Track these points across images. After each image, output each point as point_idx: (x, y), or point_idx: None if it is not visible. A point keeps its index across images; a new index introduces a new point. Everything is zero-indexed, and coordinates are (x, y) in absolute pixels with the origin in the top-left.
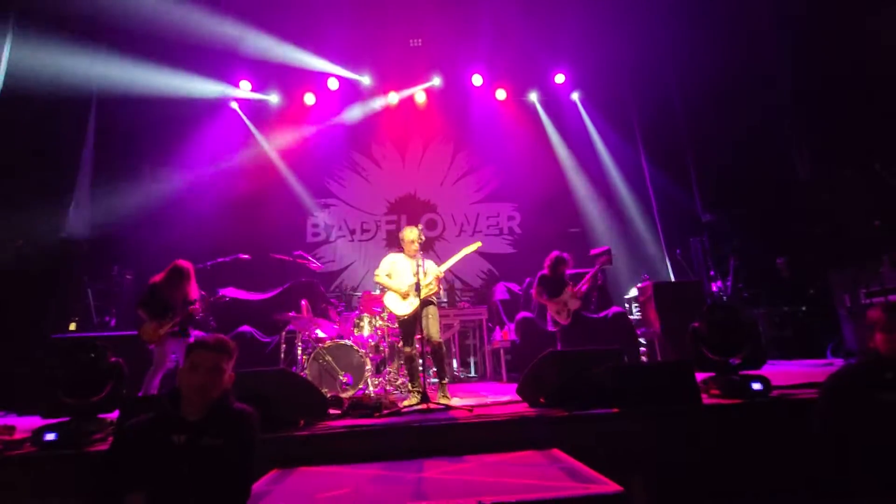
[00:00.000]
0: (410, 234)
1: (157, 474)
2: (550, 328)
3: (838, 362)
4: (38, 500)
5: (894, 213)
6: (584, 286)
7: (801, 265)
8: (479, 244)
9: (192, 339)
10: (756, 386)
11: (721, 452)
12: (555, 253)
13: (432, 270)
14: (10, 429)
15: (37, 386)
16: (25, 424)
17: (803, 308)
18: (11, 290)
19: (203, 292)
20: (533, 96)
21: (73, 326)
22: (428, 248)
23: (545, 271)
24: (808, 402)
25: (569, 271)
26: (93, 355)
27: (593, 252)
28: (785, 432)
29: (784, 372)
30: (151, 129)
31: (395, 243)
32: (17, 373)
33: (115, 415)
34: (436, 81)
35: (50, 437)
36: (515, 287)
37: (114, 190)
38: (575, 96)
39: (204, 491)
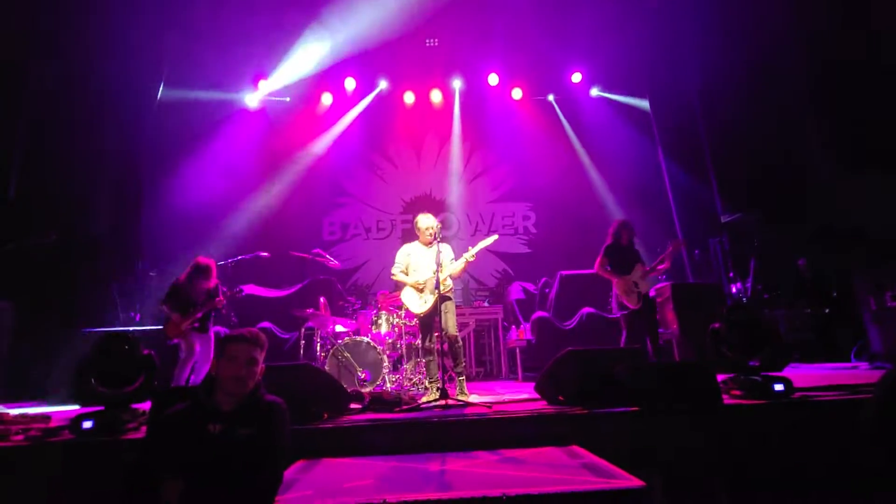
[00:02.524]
0: (427, 220)
1: (194, 462)
2: (615, 314)
3: (863, 366)
4: (76, 485)
5: None
6: (661, 266)
7: (823, 267)
8: (496, 237)
9: (211, 334)
10: (778, 387)
11: (741, 453)
12: (618, 220)
13: (449, 260)
14: (46, 418)
15: (68, 377)
16: (58, 414)
17: (826, 310)
18: (41, 284)
19: (224, 288)
20: (549, 96)
21: None
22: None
23: (609, 240)
24: (831, 403)
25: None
26: (127, 347)
27: None
28: (807, 434)
29: (806, 375)
30: (174, 128)
31: (412, 237)
32: (47, 365)
33: (146, 405)
34: (456, 84)
35: (87, 424)
36: (531, 286)
37: (138, 190)
38: (594, 92)
39: (238, 478)
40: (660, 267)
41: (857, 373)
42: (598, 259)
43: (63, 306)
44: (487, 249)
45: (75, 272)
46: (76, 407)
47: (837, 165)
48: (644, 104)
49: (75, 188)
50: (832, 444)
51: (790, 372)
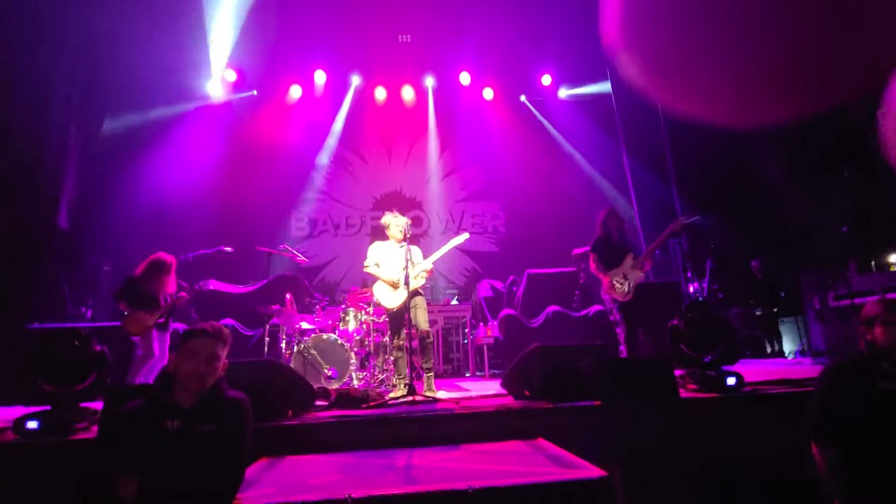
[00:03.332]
0: (395, 219)
1: (151, 460)
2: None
3: (806, 361)
4: (21, 488)
5: (862, 219)
6: (651, 253)
7: (773, 268)
8: (466, 235)
9: (170, 331)
10: (730, 381)
11: (697, 443)
12: (605, 210)
13: (419, 260)
14: None
15: (10, 375)
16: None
17: (775, 309)
18: None
19: (184, 284)
20: (520, 96)
21: None
22: (413, 244)
23: (599, 233)
24: (777, 396)
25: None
26: (77, 343)
27: (576, 252)
28: (756, 424)
29: (756, 370)
30: (134, 119)
31: (382, 234)
32: None
33: (98, 404)
34: (428, 82)
35: (32, 425)
36: (499, 285)
37: (93, 178)
38: (563, 94)
39: (198, 476)
40: (648, 260)
41: (801, 368)
42: (591, 258)
43: (6, 300)
44: (457, 248)
45: (20, 264)
46: (17, 407)
47: (787, 171)
48: (608, 95)
49: (20, 177)
50: (780, 434)
51: (741, 367)
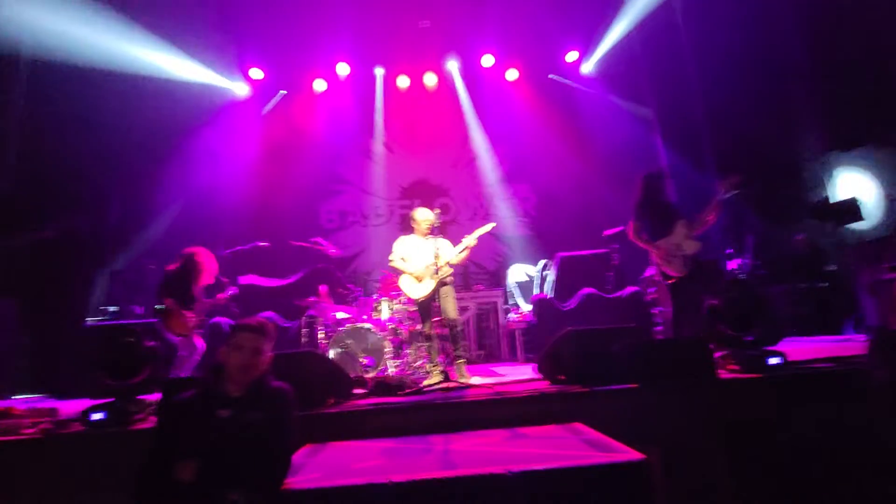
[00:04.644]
0: (423, 214)
1: (204, 446)
2: (652, 284)
3: (858, 338)
4: (91, 474)
5: None
6: (710, 217)
7: (819, 241)
8: (493, 224)
9: (207, 326)
10: (773, 360)
11: (738, 425)
12: (649, 171)
13: (447, 252)
14: (53, 411)
15: (72, 370)
16: (64, 407)
17: (822, 284)
18: (42, 279)
19: (224, 280)
20: (546, 76)
21: None
22: (442, 232)
23: (640, 196)
24: (822, 374)
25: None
26: (132, 339)
27: (608, 233)
28: (801, 405)
29: (802, 348)
30: (169, 116)
31: (409, 227)
32: (51, 358)
33: (153, 396)
34: (451, 67)
35: (98, 416)
36: (531, 269)
37: (134, 182)
38: (589, 70)
39: (248, 462)
40: (709, 219)
41: (851, 344)
42: (631, 224)
43: (64, 300)
44: (488, 233)
45: (75, 266)
46: (79, 400)
47: (832, 140)
48: (638, 68)
49: (70, 181)
50: (824, 413)
51: (787, 345)
